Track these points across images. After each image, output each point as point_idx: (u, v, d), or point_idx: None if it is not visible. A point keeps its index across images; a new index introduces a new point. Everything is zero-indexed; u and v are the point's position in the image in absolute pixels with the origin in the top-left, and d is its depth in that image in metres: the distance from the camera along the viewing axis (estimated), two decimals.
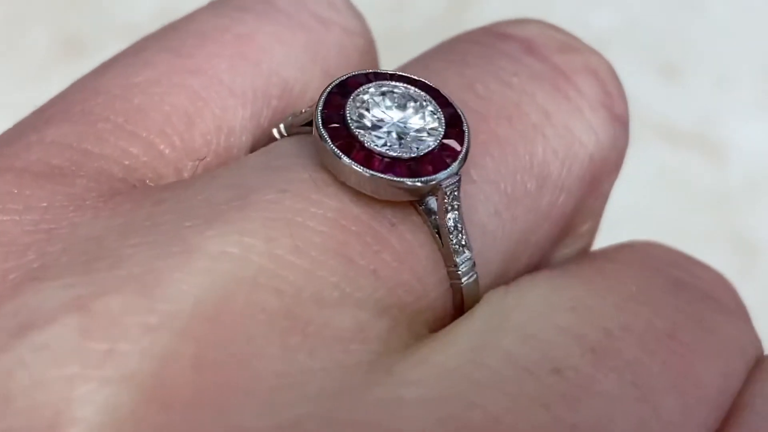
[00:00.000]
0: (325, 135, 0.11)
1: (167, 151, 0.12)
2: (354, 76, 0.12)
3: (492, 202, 0.12)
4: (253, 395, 0.10)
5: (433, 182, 0.11)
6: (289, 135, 0.12)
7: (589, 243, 0.15)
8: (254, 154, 0.12)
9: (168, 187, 0.12)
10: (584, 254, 0.14)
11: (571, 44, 0.14)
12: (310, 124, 0.12)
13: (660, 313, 0.12)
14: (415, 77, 0.12)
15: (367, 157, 0.11)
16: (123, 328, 0.10)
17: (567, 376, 0.11)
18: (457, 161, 0.11)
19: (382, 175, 0.11)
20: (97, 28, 0.34)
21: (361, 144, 0.11)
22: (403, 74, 0.12)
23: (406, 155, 0.11)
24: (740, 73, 0.34)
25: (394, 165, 0.11)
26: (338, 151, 0.11)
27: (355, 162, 0.11)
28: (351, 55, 0.14)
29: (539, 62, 0.13)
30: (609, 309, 0.12)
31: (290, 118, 0.12)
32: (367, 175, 0.11)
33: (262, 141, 0.13)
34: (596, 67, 0.14)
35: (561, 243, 0.14)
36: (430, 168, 0.11)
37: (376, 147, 0.11)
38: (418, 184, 0.11)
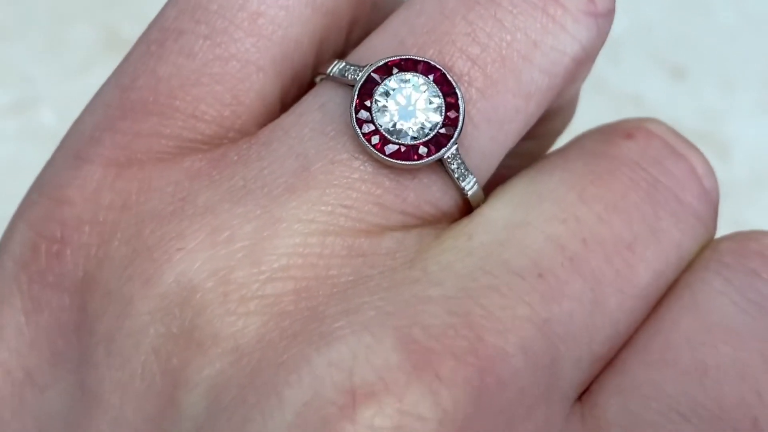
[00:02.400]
0: (357, 129, 0.15)
1: (236, 125, 0.16)
2: (381, 67, 0.15)
3: (489, 132, 0.15)
4: (332, 294, 0.14)
5: (437, 158, 0.15)
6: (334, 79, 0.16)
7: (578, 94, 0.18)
8: (314, 113, 0.16)
9: (252, 143, 0.15)
10: (592, 144, 0.17)
11: None
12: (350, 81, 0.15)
13: (629, 224, 0.15)
14: (422, 59, 0.15)
15: (386, 145, 0.15)
16: (246, 287, 0.14)
17: (547, 280, 0.15)
18: (453, 139, 0.15)
19: (397, 161, 0.15)
20: (135, 25, 0.35)
21: (383, 136, 0.15)
22: (414, 58, 0.15)
23: (415, 140, 0.15)
24: (744, 75, 0.35)
25: (406, 151, 0.15)
26: (366, 142, 0.15)
27: (378, 151, 0.15)
28: None
29: None
30: (592, 220, 0.15)
31: (339, 68, 0.16)
32: (388, 161, 0.15)
33: (303, 80, 0.17)
34: None
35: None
36: (434, 148, 0.15)
37: (392, 138, 0.15)
38: (425, 161, 0.15)
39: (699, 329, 0.15)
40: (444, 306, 0.14)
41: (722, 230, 0.34)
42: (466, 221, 0.15)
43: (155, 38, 0.16)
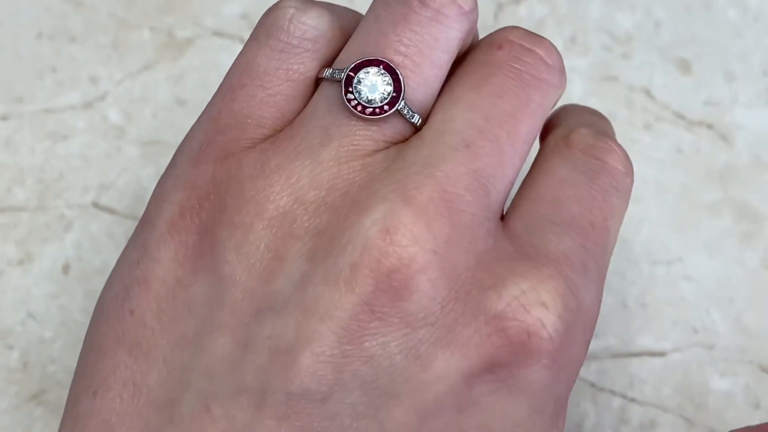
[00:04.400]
0: (348, 105, 0.24)
1: (283, 126, 0.25)
2: (353, 68, 0.24)
3: (421, 90, 0.24)
4: (360, 188, 0.23)
5: (395, 111, 0.24)
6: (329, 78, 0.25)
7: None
8: (322, 102, 0.24)
9: (294, 127, 0.24)
10: (479, 56, 0.25)
11: None
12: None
13: (510, 102, 0.24)
14: (375, 58, 0.24)
15: (366, 110, 0.24)
16: (315, 202, 0.23)
17: (471, 148, 0.23)
18: (401, 99, 0.24)
19: (374, 117, 0.24)
20: (188, 29, 0.37)
21: (363, 105, 0.24)
22: (373, 58, 0.24)
23: (381, 103, 0.24)
24: (745, 68, 0.36)
25: (378, 110, 0.24)
26: (355, 111, 0.24)
27: (363, 114, 0.24)
28: (329, 38, 0.25)
29: (429, 10, 0.24)
30: (488, 105, 0.24)
31: (329, 72, 0.24)
32: (370, 118, 0.24)
33: (313, 83, 0.25)
34: None
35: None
36: (392, 106, 0.24)
37: (368, 105, 0.24)
38: (389, 114, 0.24)
39: (553, 183, 0.25)
40: (420, 176, 0.23)
41: (728, 210, 0.36)
42: (419, 132, 0.24)
43: (228, 89, 0.25)
